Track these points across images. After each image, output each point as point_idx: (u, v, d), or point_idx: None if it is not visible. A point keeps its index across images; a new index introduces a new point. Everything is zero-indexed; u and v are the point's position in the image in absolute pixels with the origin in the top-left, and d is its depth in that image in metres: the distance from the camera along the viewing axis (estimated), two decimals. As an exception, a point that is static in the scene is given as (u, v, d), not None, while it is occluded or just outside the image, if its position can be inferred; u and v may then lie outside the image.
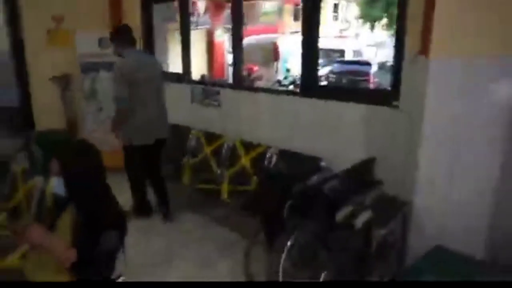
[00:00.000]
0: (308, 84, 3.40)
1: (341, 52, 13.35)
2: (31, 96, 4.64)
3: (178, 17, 4.75)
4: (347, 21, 22.30)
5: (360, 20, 20.76)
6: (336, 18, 23.04)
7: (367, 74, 10.30)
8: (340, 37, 18.41)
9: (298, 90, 3.67)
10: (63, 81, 4.78)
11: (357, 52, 13.44)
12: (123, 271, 1.85)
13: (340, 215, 1.75)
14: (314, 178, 2.18)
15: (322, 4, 3.45)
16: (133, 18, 5.04)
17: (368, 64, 10.91)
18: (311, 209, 2.11)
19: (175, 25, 4.81)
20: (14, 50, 4.45)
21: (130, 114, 3.34)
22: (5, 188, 2.98)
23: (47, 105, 4.71)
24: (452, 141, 2.06)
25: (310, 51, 3.35)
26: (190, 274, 2.85)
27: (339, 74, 10.62)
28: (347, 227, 1.73)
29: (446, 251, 2.00)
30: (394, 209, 2.19)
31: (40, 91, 4.66)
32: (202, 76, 4.90)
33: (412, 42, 2.51)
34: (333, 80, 10.67)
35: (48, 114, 4.71)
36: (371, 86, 9.68)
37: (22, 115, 4.63)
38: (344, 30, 20.94)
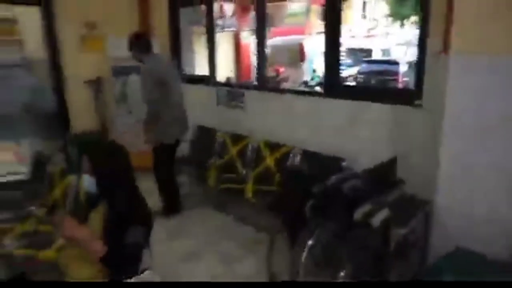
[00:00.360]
0: (331, 84, 3.42)
1: (369, 52, 13.14)
2: (67, 100, 4.88)
3: (204, 20, 4.88)
4: (375, 20, 21.89)
5: (390, 19, 20.32)
6: (364, 17, 22.66)
7: (395, 73, 10.08)
8: (369, 36, 18.10)
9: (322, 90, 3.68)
10: (96, 85, 5.01)
11: (385, 51, 13.18)
12: (149, 265, 1.94)
13: (358, 214, 1.77)
14: (334, 178, 2.20)
15: (350, 3, 3.47)
16: (161, 22, 5.22)
17: (396, 63, 10.67)
18: (331, 208, 2.13)
19: (202, 28, 4.93)
20: (51, 57, 4.70)
21: (160, 114, 3.52)
22: (44, 186, 3.19)
23: (82, 108, 4.95)
24: (473, 139, 2.03)
25: (333, 51, 3.37)
26: (215, 271, 2.94)
27: (367, 74, 10.45)
28: (365, 226, 1.75)
29: (467, 251, 1.97)
30: (415, 208, 2.18)
31: (75, 94, 4.90)
32: (228, 79, 4.99)
33: (434, 41, 2.49)
34: (361, 80, 10.51)
35: (82, 116, 4.95)
36: (400, 85, 9.46)
37: (59, 118, 4.87)
38: (373, 29, 20.58)
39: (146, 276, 1.92)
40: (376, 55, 12.95)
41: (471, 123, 2.03)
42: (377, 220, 1.71)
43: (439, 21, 2.38)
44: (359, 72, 11.03)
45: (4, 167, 4.42)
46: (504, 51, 1.90)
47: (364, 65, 11.22)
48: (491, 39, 1.93)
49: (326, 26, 3.38)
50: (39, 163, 3.45)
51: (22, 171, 3.64)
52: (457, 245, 2.03)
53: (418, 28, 2.84)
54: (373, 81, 10.10)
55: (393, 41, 15.84)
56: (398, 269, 1.90)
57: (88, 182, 1.90)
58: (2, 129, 4.60)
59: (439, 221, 2.18)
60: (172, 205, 3.86)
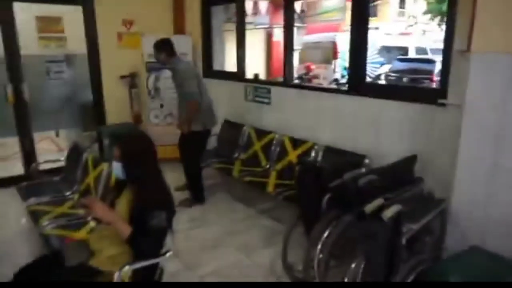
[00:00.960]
0: (355, 82, 3.43)
1: (405, 50, 12.82)
2: (103, 94, 5.15)
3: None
4: (413, 17, 21.27)
5: (428, 15, 19.67)
6: (402, 14, 22.06)
7: (430, 72, 9.79)
8: (405, 33, 17.65)
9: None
10: (130, 80, 5.26)
11: (421, 50, 12.80)
12: (171, 247, 2.07)
13: (369, 207, 1.82)
14: (352, 173, 2.25)
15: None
16: (194, 20, 5.40)
17: (431, 61, 10.33)
18: (345, 201, 2.19)
19: (233, 26, 5.05)
20: (90, 53, 4.97)
21: (199, 104, 3.79)
22: (79, 173, 3.43)
23: (117, 101, 5.22)
24: (492, 139, 2.01)
25: (358, 48, 3.39)
26: (234, 259, 3.06)
27: (400, 72, 10.21)
28: (378, 219, 1.79)
29: (481, 251, 1.96)
30: (430, 206, 2.19)
31: (111, 89, 5.17)
32: (255, 75, 5.10)
33: (460, 39, 2.47)
34: (393, 79, 10.29)
35: (117, 109, 5.21)
36: (434, 85, 9.20)
37: (96, 111, 5.15)
38: (411, 26, 20.02)
39: (168, 258, 2.07)
40: (413, 53, 12.62)
41: (490, 123, 2.01)
42: (387, 214, 1.75)
43: (466, 19, 2.36)
44: (391, 70, 10.80)
45: (44, 155, 4.76)
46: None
47: (396, 63, 10.96)
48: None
49: (352, 23, 3.40)
50: (75, 152, 3.69)
51: (60, 159, 3.92)
52: (472, 244, 2.03)
53: (446, 26, 2.80)
54: (405, 80, 9.87)
55: (430, 38, 15.38)
56: (408, 264, 1.93)
57: (117, 169, 2.05)
58: (44, 120, 4.95)
59: (455, 220, 2.18)
60: (198, 195, 4.05)
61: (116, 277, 1.88)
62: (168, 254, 2.06)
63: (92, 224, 2.75)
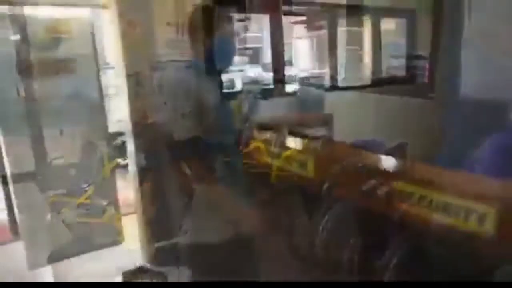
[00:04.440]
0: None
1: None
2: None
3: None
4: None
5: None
6: None
7: (423, 68, 10.04)
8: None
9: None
10: (136, 79, 5.45)
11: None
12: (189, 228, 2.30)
13: (366, 186, 2.07)
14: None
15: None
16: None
17: (423, 58, 10.55)
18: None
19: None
20: (96, 53, 5.16)
21: None
22: (94, 167, 3.65)
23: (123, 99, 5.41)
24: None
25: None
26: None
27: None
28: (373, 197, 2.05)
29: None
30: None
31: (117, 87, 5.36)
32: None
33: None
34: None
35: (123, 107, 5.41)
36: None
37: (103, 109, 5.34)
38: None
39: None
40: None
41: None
42: (382, 191, 2.01)
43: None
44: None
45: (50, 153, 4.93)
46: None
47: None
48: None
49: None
50: (89, 147, 3.91)
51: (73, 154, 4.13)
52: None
53: (432, 22, 3.03)
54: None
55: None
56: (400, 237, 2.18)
57: (139, 158, 2.29)
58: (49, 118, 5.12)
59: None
60: None
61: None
62: (187, 234, 2.28)
63: (112, 211, 3.00)
